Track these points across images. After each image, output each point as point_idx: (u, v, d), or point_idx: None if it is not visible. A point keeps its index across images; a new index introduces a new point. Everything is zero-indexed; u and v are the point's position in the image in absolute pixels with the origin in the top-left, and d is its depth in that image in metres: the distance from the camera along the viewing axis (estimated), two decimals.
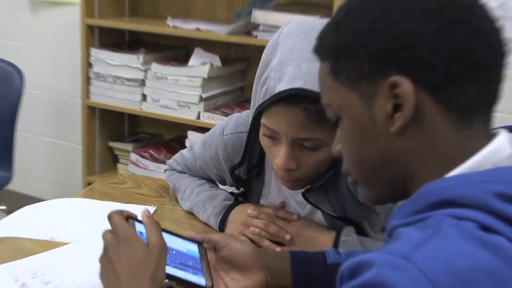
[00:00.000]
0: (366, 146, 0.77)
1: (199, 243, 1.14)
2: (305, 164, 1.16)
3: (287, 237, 1.26)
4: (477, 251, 0.62)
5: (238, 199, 1.39)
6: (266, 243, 1.28)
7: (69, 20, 2.95)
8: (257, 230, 1.28)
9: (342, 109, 0.78)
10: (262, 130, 1.17)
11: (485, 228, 0.64)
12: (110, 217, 0.97)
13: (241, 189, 1.45)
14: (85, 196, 1.55)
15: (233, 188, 1.49)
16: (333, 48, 0.77)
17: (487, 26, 0.73)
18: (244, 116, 1.36)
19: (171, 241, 1.08)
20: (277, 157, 1.16)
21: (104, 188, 1.61)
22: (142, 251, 0.92)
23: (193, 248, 1.12)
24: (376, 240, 1.27)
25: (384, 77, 0.72)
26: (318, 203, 1.27)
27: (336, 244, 1.24)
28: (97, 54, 2.65)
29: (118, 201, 1.51)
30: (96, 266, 1.16)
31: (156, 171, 2.62)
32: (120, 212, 0.99)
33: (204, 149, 1.42)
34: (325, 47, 0.79)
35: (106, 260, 0.93)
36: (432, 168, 0.73)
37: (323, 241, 1.25)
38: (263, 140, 1.19)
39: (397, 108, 0.72)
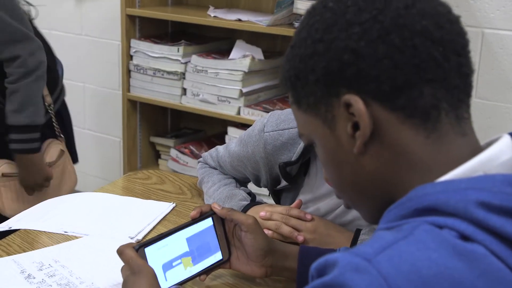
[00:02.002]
0: (341, 170, 0.80)
1: (214, 214, 1.21)
2: None
3: (300, 238, 1.30)
4: (447, 260, 0.63)
5: (254, 199, 1.44)
6: (286, 230, 1.31)
7: (111, 10, 3.07)
8: (270, 232, 1.32)
9: (312, 136, 0.82)
10: None
11: (465, 237, 0.65)
12: (120, 253, 1.09)
13: (278, 186, 1.48)
14: (106, 190, 1.63)
15: (267, 187, 1.53)
16: (288, 78, 0.81)
17: (430, 22, 0.73)
18: (286, 113, 1.41)
19: (182, 238, 1.16)
20: None
21: (127, 183, 1.69)
22: (152, 283, 1.04)
23: (208, 224, 1.20)
24: None
25: (337, 98, 0.75)
26: None
27: (354, 244, 1.27)
28: (137, 45, 2.74)
29: (139, 197, 1.58)
30: (103, 262, 1.24)
31: (192, 174, 2.68)
32: (129, 245, 1.10)
33: (241, 147, 1.47)
34: (284, 78, 0.83)
35: None
36: (412, 177, 0.74)
37: (339, 239, 1.28)
38: None
39: (356, 127, 0.74)
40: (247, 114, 2.53)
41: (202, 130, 3.05)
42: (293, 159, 1.37)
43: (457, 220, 0.66)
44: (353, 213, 1.38)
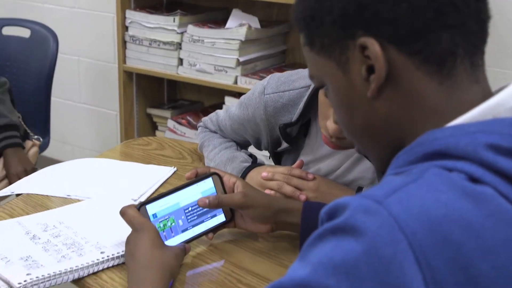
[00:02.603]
0: (353, 113, 0.79)
1: (213, 174, 1.23)
2: None
3: (302, 197, 1.32)
4: (456, 201, 0.64)
5: (256, 161, 1.45)
6: (288, 189, 1.33)
7: None
8: (272, 192, 1.34)
9: (324, 78, 0.81)
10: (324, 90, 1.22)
11: (474, 179, 0.66)
12: (123, 213, 1.12)
13: (279, 148, 1.49)
14: (106, 156, 1.64)
15: (267, 150, 1.54)
16: (303, 18, 0.80)
17: None
18: (286, 76, 1.43)
19: (184, 197, 1.20)
20: (329, 118, 1.22)
21: (127, 150, 1.70)
22: (153, 238, 1.07)
23: (208, 186, 1.22)
24: None
25: (353, 40, 0.74)
26: None
27: None
28: (133, 16, 2.73)
29: (139, 162, 1.60)
30: (107, 223, 1.26)
31: (194, 138, 2.70)
32: (131, 206, 1.13)
33: (241, 110, 1.47)
34: (297, 18, 0.82)
35: (128, 250, 1.08)
36: (423, 123, 0.74)
37: (339, 197, 1.30)
38: (322, 99, 1.24)
39: (371, 70, 0.74)
40: (244, 83, 2.54)
41: (199, 101, 3.05)
42: (293, 120, 1.38)
43: (466, 163, 0.67)
44: (354, 173, 1.40)
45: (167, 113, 2.92)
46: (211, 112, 2.83)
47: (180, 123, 2.80)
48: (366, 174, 1.38)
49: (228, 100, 2.63)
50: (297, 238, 1.21)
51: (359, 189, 1.31)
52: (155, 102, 3.02)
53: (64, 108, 3.41)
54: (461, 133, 0.69)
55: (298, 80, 1.40)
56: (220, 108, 2.76)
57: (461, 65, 0.73)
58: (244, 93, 2.53)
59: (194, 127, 2.77)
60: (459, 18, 0.72)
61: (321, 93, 1.25)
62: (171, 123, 2.84)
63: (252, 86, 2.49)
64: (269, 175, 1.36)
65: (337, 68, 0.77)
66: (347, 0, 0.74)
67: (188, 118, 2.83)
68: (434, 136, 0.71)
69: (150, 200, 1.16)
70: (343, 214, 0.66)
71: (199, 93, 3.04)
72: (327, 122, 1.23)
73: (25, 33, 2.71)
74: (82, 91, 3.40)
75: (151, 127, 3.02)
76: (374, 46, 0.72)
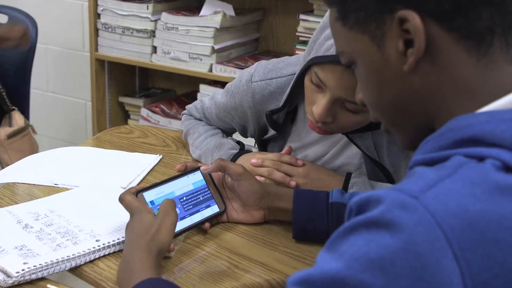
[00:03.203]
0: (384, 89, 0.79)
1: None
2: (340, 121, 1.24)
3: (292, 183, 1.33)
4: (491, 195, 0.64)
5: (243, 148, 1.46)
6: (278, 176, 1.34)
7: None
8: (262, 178, 1.35)
9: (355, 54, 0.80)
10: (310, 76, 1.23)
11: (509, 167, 0.66)
12: (121, 199, 1.12)
13: (266, 136, 1.50)
14: (90, 145, 1.63)
15: (254, 138, 1.55)
16: None
17: None
18: (273, 63, 1.43)
19: (177, 187, 1.22)
20: (315, 104, 1.23)
21: (110, 138, 1.69)
22: (148, 220, 1.07)
23: (198, 178, 1.25)
24: (386, 185, 1.34)
25: (391, 14, 0.73)
26: (355, 138, 1.34)
27: (346, 187, 1.31)
28: (105, 3, 2.70)
29: (124, 150, 1.59)
30: (99, 210, 1.25)
31: (168, 126, 2.69)
32: (128, 191, 1.13)
33: (228, 98, 1.47)
34: None
35: (125, 235, 1.09)
36: (456, 101, 0.74)
37: (331, 183, 1.32)
38: (308, 84, 1.25)
39: (408, 44, 0.73)
40: (220, 71, 2.54)
41: (171, 89, 3.04)
42: (280, 105, 1.39)
43: (502, 150, 0.67)
44: (341, 159, 1.42)
45: (139, 102, 2.90)
46: (184, 100, 2.87)
47: (153, 112, 2.79)
48: (353, 160, 1.41)
49: (203, 88, 2.63)
50: (289, 224, 1.23)
51: (348, 174, 1.33)
52: (127, 90, 3.00)
53: (33, 97, 3.35)
54: (496, 119, 0.69)
55: (285, 67, 1.40)
56: (194, 96, 2.76)
57: (497, 44, 0.73)
58: (219, 81, 2.57)
59: (168, 115, 2.76)
60: None
61: (307, 79, 1.26)
62: (144, 112, 2.82)
63: (227, 74, 2.50)
64: (259, 162, 1.37)
65: (371, 43, 0.77)
66: None
67: (162, 106, 2.82)
68: (467, 121, 0.70)
69: (146, 188, 1.17)
70: (377, 207, 0.65)
71: (171, 81, 3.03)
72: (313, 107, 1.24)
73: (2, 19, 2.66)
74: (50, 79, 3.35)
75: (123, 116, 3.00)
76: (415, 19, 0.72)
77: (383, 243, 0.63)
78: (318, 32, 1.22)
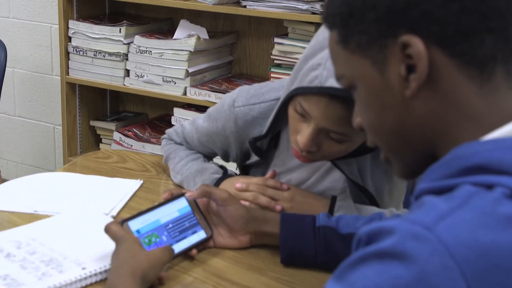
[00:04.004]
0: (384, 115, 0.78)
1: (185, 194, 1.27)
2: (325, 150, 1.25)
3: (278, 207, 1.34)
4: (502, 226, 0.64)
5: (226, 172, 1.46)
6: (263, 200, 1.35)
7: None
8: (247, 203, 1.35)
9: (355, 78, 0.80)
10: (294, 105, 1.24)
11: None
12: (107, 230, 1.12)
13: (247, 161, 1.50)
14: (68, 170, 1.61)
15: (236, 162, 1.55)
16: (339, 14, 0.79)
17: None
18: (255, 88, 1.43)
19: (162, 215, 1.22)
20: (300, 133, 1.24)
21: (88, 163, 1.67)
22: (135, 248, 1.09)
23: (183, 205, 1.25)
24: (372, 208, 1.35)
25: (394, 38, 0.73)
26: (340, 163, 1.35)
27: (331, 210, 1.32)
28: (76, 26, 2.70)
29: (103, 175, 1.58)
30: (82, 237, 1.24)
31: (141, 150, 2.68)
32: (113, 222, 1.14)
33: (210, 123, 1.47)
34: (332, 15, 0.81)
35: (111, 263, 1.10)
36: (459, 128, 0.74)
37: (316, 206, 1.33)
38: (292, 113, 1.25)
39: (410, 69, 0.73)
40: (194, 94, 2.54)
41: (143, 113, 3.03)
42: (263, 133, 1.39)
43: (511, 178, 0.67)
44: (325, 184, 1.43)
45: (111, 126, 2.88)
46: (157, 123, 2.87)
47: (126, 136, 2.78)
48: (337, 184, 1.42)
49: (177, 111, 2.63)
50: (276, 248, 1.23)
51: (334, 198, 1.34)
52: (98, 114, 2.98)
53: (0, 122, 3.32)
54: (504, 147, 0.69)
55: (267, 92, 1.41)
56: (168, 119, 2.76)
57: (499, 71, 0.74)
58: (193, 105, 2.57)
59: (141, 139, 2.75)
60: (502, 23, 0.73)
61: (291, 108, 1.26)
62: (117, 136, 2.81)
63: (201, 97, 2.51)
64: (244, 186, 1.37)
65: (373, 67, 0.77)
66: None
67: (135, 130, 2.81)
68: (473, 149, 0.71)
69: (131, 217, 1.17)
70: (388, 238, 0.65)
71: (143, 105, 3.03)
72: (298, 136, 1.24)
73: None
74: (17, 103, 3.31)
75: (95, 140, 2.98)
76: (418, 44, 0.72)
77: (396, 274, 0.63)
78: (302, 62, 1.23)
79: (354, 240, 0.71)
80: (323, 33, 1.19)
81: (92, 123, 2.93)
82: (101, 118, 2.96)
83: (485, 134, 0.73)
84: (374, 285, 0.63)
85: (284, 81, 1.32)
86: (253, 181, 1.38)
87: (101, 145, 2.94)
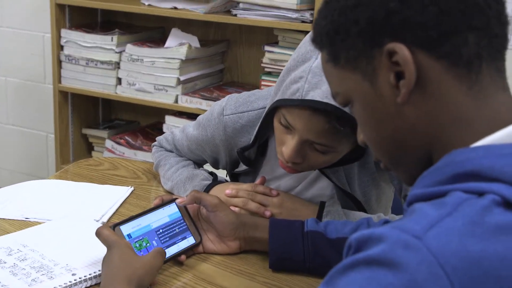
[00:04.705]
0: (381, 125, 0.79)
1: (176, 199, 1.28)
2: (310, 160, 1.26)
3: (267, 213, 1.35)
4: (491, 234, 0.64)
5: (216, 179, 1.47)
6: (253, 206, 1.36)
7: (35, 1, 3.00)
8: (237, 209, 1.36)
9: (350, 94, 0.81)
10: (279, 117, 1.25)
11: (509, 203, 0.66)
12: (98, 234, 1.12)
13: (236, 169, 1.51)
14: (60, 178, 1.62)
15: (226, 170, 1.56)
16: (325, 34, 0.80)
17: None
18: (244, 97, 1.44)
19: (153, 220, 1.22)
20: (285, 144, 1.25)
21: (79, 170, 1.68)
22: (128, 254, 1.08)
23: (173, 211, 1.26)
24: (360, 213, 1.36)
25: (380, 48, 0.75)
26: (327, 171, 1.36)
27: (320, 216, 1.33)
28: (68, 35, 2.70)
29: (95, 183, 1.58)
30: (73, 244, 1.24)
31: (134, 158, 2.68)
32: (105, 226, 1.14)
33: (200, 131, 1.48)
34: (319, 35, 0.82)
35: (102, 269, 1.09)
36: (452, 132, 0.75)
37: (305, 212, 1.34)
38: (277, 125, 1.27)
39: (399, 76, 0.74)
40: (185, 102, 2.55)
41: (135, 121, 3.04)
42: (250, 142, 1.40)
43: (502, 184, 0.67)
44: (313, 191, 1.44)
45: (104, 134, 2.89)
46: (149, 131, 2.87)
47: (118, 143, 2.78)
48: (325, 191, 1.43)
49: (169, 119, 2.64)
50: (265, 254, 1.24)
51: (322, 203, 1.35)
52: (90, 122, 2.99)
53: None
54: (495, 154, 0.69)
55: (256, 101, 1.42)
56: (159, 127, 2.76)
57: (486, 69, 0.74)
58: (185, 112, 2.58)
59: (133, 147, 2.76)
60: (484, 20, 0.74)
61: (276, 120, 1.27)
62: (109, 143, 2.81)
63: (193, 105, 2.52)
64: (233, 192, 1.38)
65: (363, 80, 0.78)
66: (374, 9, 0.75)
67: (127, 138, 2.81)
68: (465, 156, 0.71)
69: (122, 221, 1.17)
70: (378, 245, 0.65)
71: (135, 113, 3.03)
72: (283, 148, 1.26)
73: None
74: (10, 112, 3.31)
75: (87, 148, 2.98)
76: (403, 50, 0.73)
77: (385, 281, 0.63)
78: (285, 73, 1.24)
79: (345, 246, 0.71)
80: (305, 46, 1.20)
81: (84, 131, 2.93)
82: (93, 126, 2.96)
83: (476, 138, 0.73)
84: None
85: (272, 90, 1.33)
86: (243, 187, 1.39)
87: (93, 153, 2.94)
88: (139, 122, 3.03)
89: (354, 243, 0.69)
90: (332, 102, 1.13)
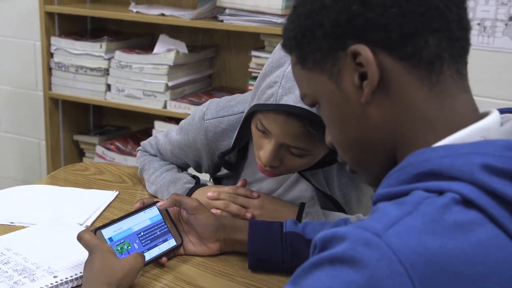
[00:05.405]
0: (347, 126, 0.81)
1: (157, 203, 1.30)
2: (287, 164, 1.28)
3: (248, 215, 1.36)
4: (449, 232, 0.66)
5: (199, 182, 1.49)
6: (234, 208, 1.38)
7: (26, 8, 3.02)
8: (218, 211, 1.38)
9: (317, 95, 0.83)
10: (255, 123, 1.27)
11: (467, 201, 0.68)
12: (79, 238, 1.14)
13: (219, 173, 1.53)
14: (47, 183, 1.63)
15: (208, 173, 1.58)
16: (293, 37, 0.83)
17: None
18: (225, 101, 1.46)
19: (134, 223, 1.24)
20: (262, 148, 1.27)
21: (66, 175, 1.70)
22: (109, 258, 1.10)
23: (154, 213, 1.28)
24: (339, 214, 1.38)
25: (344, 50, 0.77)
26: (306, 174, 1.38)
27: (299, 217, 1.35)
28: (58, 43, 2.72)
29: (80, 187, 1.60)
30: (56, 247, 1.26)
31: (124, 163, 2.70)
32: (86, 230, 1.16)
33: (182, 136, 1.50)
34: (288, 39, 0.84)
35: (83, 272, 1.11)
36: (415, 132, 0.76)
37: (286, 213, 1.36)
38: (254, 130, 1.29)
39: (363, 77, 0.76)
40: (174, 107, 2.57)
41: (126, 127, 3.05)
42: (230, 147, 1.41)
43: (461, 183, 0.69)
44: (294, 193, 1.45)
45: (94, 140, 2.91)
46: (139, 137, 2.89)
47: (109, 149, 2.80)
48: (305, 193, 1.44)
49: (158, 124, 2.66)
50: (245, 255, 1.25)
51: (302, 205, 1.37)
52: (81, 128, 3.00)
53: None
54: (454, 153, 0.71)
55: (236, 105, 1.44)
56: (149, 132, 2.78)
57: (447, 71, 0.76)
58: (174, 118, 2.60)
59: (123, 153, 2.78)
60: (444, 23, 0.75)
61: (253, 125, 1.29)
62: (99, 149, 2.83)
63: (182, 110, 2.54)
64: (215, 195, 1.40)
65: (330, 81, 0.80)
66: (337, 12, 0.76)
67: (117, 143, 2.83)
68: (426, 156, 0.72)
69: (104, 225, 1.19)
70: (341, 244, 0.67)
71: (125, 119, 3.05)
72: (260, 152, 1.28)
73: None
74: (3, 119, 3.33)
75: (78, 154, 3.00)
76: (365, 51, 0.75)
77: (347, 278, 0.65)
78: (260, 79, 1.26)
79: (311, 245, 0.73)
80: (279, 52, 1.22)
81: (76, 137, 2.95)
82: (85, 132, 2.98)
83: (438, 138, 0.75)
84: None
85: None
86: (224, 190, 1.41)
87: (84, 159, 2.96)
88: (130, 128, 3.05)
89: (319, 242, 0.70)
90: (305, 106, 1.15)
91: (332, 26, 0.77)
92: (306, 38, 0.81)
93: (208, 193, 1.41)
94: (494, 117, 0.78)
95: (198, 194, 1.43)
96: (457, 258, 0.65)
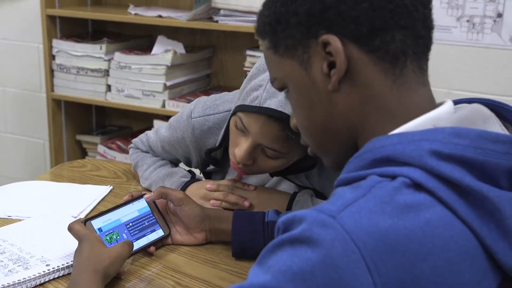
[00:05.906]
0: (313, 111, 0.85)
1: (145, 195, 1.35)
2: (260, 164, 1.35)
3: (246, 203, 1.43)
4: (398, 212, 0.71)
5: (195, 176, 1.54)
6: (233, 198, 1.44)
7: (29, 13, 3.09)
8: (218, 202, 1.44)
9: (286, 79, 0.87)
10: (235, 120, 1.33)
11: (417, 184, 0.73)
12: (70, 228, 1.20)
13: (208, 168, 1.60)
14: (43, 179, 1.70)
15: (198, 168, 1.64)
16: (268, 23, 0.87)
17: None
18: (211, 100, 1.52)
19: (123, 214, 1.30)
20: (238, 146, 1.33)
21: (63, 172, 1.76)
22: (97, 246, 1.15)
23: (143, 205, 1.34)
24: (326, 202, 1.43)
25: (315, 39, 0.81)
26: (289, 176, 1.45)
27: (290, 205, 1.40)
28: (59, 45, 2.79)
29: (76, 182, 1.66)
30: (50, 238, 1.32)
31: (124, 162, 2.76)
32: (77, 221, 1.21)
33: (171, 133, 1.56)
34: (263, 24, 0.89)
35: (73, 260, 1.16)
36: (376, 121, 0.82)
37: (279, 201, 1.42)
38: (233, 128, 1.35)
39: (332, 66, 0.81)
40: (172, 106, 2.63)
41: (127, 126, 3.12)
42: (216, 144, 1.48)
43: (411, 168, 0.74)
44: (282, 187, 1.51)
45: (96, 139, 2.97)
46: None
47: (110, 148, 2.86)
48: (289, 190, 1.49)
49: (157, 123, 2.72)
50: (230, 244, 1.31)
51: (294, 193, 1.42)
52: (84, 128, 3.07)
53: None
54: (406, 140, 0.76)
55: (222, 104, 1.49)
56: None
57: (410, 66, 0.81)
58: (172, 116, 2.65)
59: (124, 151, 2.84)
60: (410, 21, 0.81)
61: (232, 122, 1.35)
62: (101, 148, 2.89)
63: (180, 109, 2.59)
64: (214, 187, 1.46)
65: (300, 67, 0.85)
66: (312, 2, 0.81)
67: (118, 143, 2.89)
68: (381, 143, 0.78)
69: (93, 216, 1.25)
70: (299, 226, 0.72)
71: (127, 118, 3.11)
72: (235, 149, 1.33)
73: None
74: (8, 120, 3.40)
75: (81, 154, 3.07)
76: (335, 42, 0.80)
77: (304, 257, 0.70)
78: (247, 81, 1.32)
79: (275, 228, 0.78)
80: None
81: (78, 137, 3.02)
82: (87, 132, 3.05)
83: (395, 127, 0.80)
84: (286, 268, 0.71)
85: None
86: (223, 182, 1.47)
87: (86, 158, 3.02)
88: (131, 128, 3.12)
89: (281, 225, 0.76)
90: (286, 111, 1.21)
91: (306, 15, 0.82)
92: (280, 25, 0.86)
93: (208, 185, 1.47)
94: (446, 106, 0.83)
95: (195, 187, 1.49)
96: (407, 236, 0.70)
